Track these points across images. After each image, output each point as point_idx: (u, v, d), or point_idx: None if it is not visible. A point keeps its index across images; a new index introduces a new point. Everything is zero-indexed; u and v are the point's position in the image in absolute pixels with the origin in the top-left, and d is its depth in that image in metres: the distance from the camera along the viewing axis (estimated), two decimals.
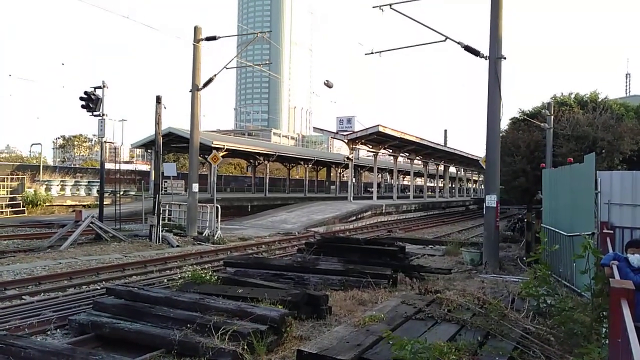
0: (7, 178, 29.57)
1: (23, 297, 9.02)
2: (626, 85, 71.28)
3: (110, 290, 7.70)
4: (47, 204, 28.80)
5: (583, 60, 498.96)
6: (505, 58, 12.61)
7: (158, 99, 17.47)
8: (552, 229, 10.69)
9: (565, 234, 9.70)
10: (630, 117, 23.53)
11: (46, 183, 32.19)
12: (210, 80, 19.08)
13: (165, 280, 10.52)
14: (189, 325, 5.93)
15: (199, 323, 5.92)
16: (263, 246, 17.18)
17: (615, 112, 23.44)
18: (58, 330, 7.04)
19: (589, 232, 8.24)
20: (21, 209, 26.92)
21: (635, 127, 21.97)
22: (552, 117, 22.78)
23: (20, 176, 30.44)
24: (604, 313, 4.33)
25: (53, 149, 72.96)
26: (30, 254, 13.52)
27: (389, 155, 41.94)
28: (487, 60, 12.64)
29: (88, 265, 12.08)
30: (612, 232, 8.16)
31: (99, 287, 9.84)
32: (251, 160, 44.39)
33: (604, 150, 20.79)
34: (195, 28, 19.26)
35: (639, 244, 5.27)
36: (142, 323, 6.31)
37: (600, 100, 25.36)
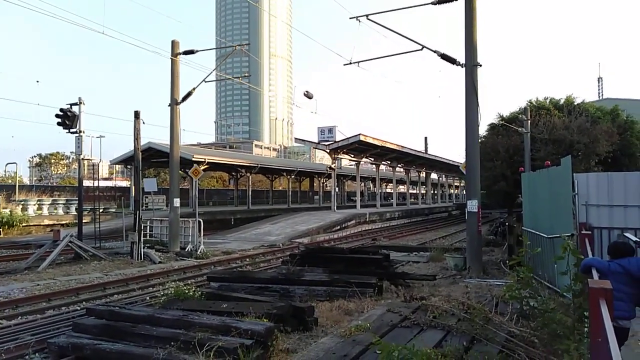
0: None
1: None
2: (599, 89, 73.29)
3: (91, 311, 7.51)
4: (23, 224, 28.05)
5: (557, 65, 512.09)
6: (481, 65, 12.83)
7: (136, 114, 17.29)
8: (533, 231, 10.84)
9: (546, 236, 9.84)
10: (605, 120, 24.12)
11: (22, 203, 31.43)
12: (189, 94, 18.99)
13: (148, 298, 10.37)
14: (172, 343, 5.81)
15: (183, 340, 5.81)
16: (247, 259, 17.03)
17: (590, 115, 24.02)
18: (37, 354, 6.85)
19: (569, 234, 8.38)
20: None
21: (610, 129, 22.52)
22: (529, 121, 23.22)
23: None
24: (585, 313, 4.39)
25: (29, 167, 71.59)
26: (6, 276, 13.15)
27: (371, 163, 42.24)
28: (464, 68, 12.86)
29: (67, 286, 11.80)
30: (590, 232, 8.31)
31: (79, 308, 9.63)
32: (233, 173, 44.14)
33: (580, 153, 21.26)
34: (173, 42, 19.19)
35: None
36: (125, 343, 6.17)
37: (576, 104, 25.98)
